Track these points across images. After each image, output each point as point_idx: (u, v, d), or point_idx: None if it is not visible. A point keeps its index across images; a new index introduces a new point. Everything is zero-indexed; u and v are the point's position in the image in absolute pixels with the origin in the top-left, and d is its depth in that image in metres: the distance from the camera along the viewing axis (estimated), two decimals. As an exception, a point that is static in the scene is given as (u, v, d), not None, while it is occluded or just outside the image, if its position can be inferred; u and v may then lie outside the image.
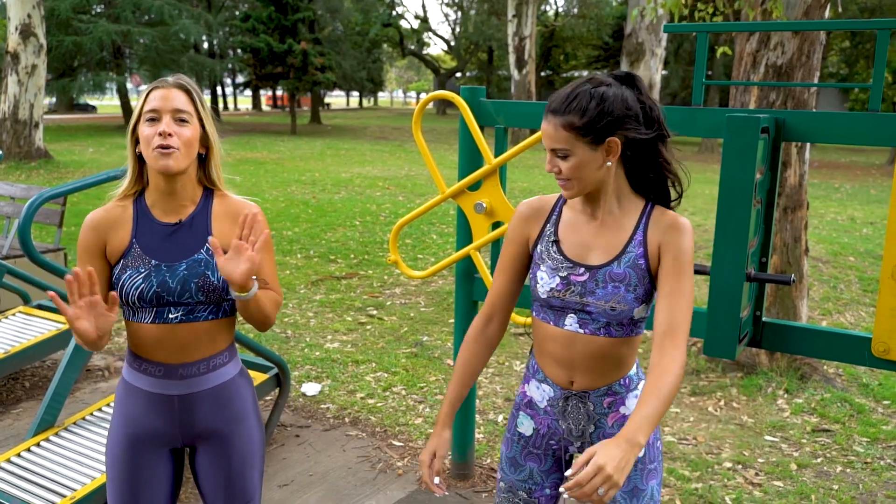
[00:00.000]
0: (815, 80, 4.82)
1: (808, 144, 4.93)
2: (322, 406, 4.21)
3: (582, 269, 1.71)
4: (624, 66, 11.06)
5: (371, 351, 5.11)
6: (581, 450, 1.84)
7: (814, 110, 2.82)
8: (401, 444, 3.77)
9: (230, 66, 35.88)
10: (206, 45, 35.34)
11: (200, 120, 1.85)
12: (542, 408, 1.85)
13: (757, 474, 3.54)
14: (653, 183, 1.72)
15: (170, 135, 1.76)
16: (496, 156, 2.92)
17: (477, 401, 4.21)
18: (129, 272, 1.82)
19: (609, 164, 1.65)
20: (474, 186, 3.00)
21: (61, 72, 27.11)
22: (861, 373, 4.82)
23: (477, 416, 3.97)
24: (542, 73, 41.54)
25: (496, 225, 2.98)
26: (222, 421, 1.94)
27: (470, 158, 3.07)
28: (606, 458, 1.38)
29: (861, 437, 3.96)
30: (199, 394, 1.90)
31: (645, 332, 4.03)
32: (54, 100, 38.25)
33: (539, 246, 1.79)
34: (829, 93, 33.75)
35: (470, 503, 3.23)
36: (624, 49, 11.11)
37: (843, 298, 6.36)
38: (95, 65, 27.59)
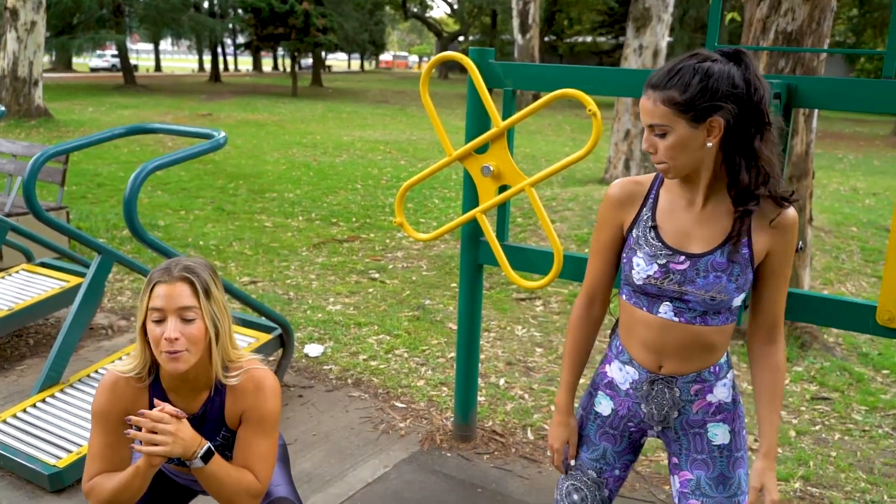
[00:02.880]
0: (825, 48, 4.77)
1: (816, 113, 4.89)
2: (325, 367, 4.23)
3: (682, 258, 1.64)
4: (630, 32, 10.92)
5: (373, 314, 5.13)
6: (661, 435, 1.81)
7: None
8: (403, 405, 3.80)
9: (231, 26, 35.48)
10: (206, 5, 34.89)
11: (207, 312, 1.80)
12: (623, 389, 1.80)
13: (756, 440, 3.57)
14: (739, 172, 1.58)
15: (176, 339, 1.73)
16: (504, 118, 2.90)
17: (479, 364, 4.23)
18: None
19: (709, 145, 1.55)
20: (481, 149, 2.98)
21: (60, 29, 26.81)
22: (861, 342, 4.84)
23: (479, 379, 4.00)
24: (546, 38, 41.07)
25: (503, 188, 2.96)
26: None
27: (477, 121, 3.04)
28: (774, 488, 1.67)
29: (860, 405, 3.99)
30: None
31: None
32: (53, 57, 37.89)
33: (635, 230, 1.71)
34: (835, 62, 33.45)
35: (472, 464, 3.27)
36: (630, 14, 10.96)
37: (845, 268, 6.37)
38: (95, 22, 27.25)
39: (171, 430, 1.67)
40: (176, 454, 1.68)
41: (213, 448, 1.76)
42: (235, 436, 1.88)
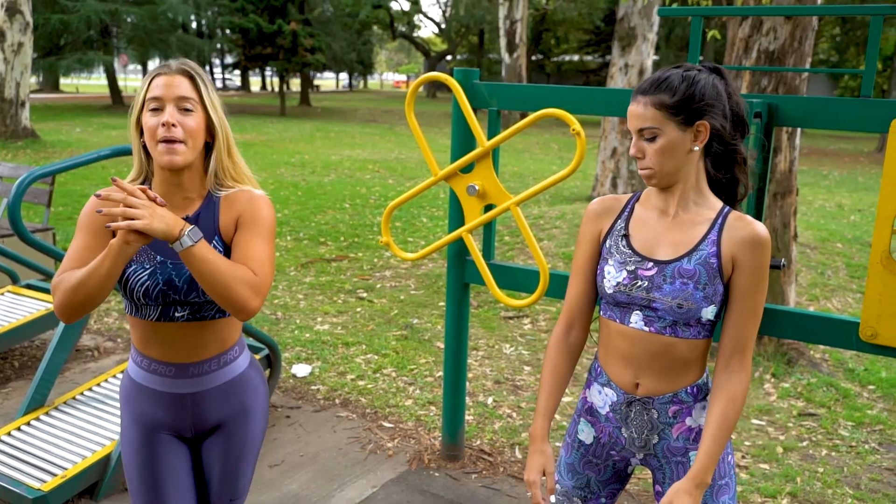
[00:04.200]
0: (807, 67, 4.83)
1: (799, 131, 4.95)
2: (312, 387, 4.21)
3: (650, 264, 1.66)
4: (615, 51, 11.02)
5: (361, 333, 5.12)
6: (644, 462, 1.80)
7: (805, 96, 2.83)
8: (391, 425, 3.79)
9: (219, 46, 35.58)
10: (194, 25, 34.99)
11: (205, 107, 1.77)
12: (603, 414, 1.78)
13: (743, 457, 3.58)
14: (725, 182, 1.70)
15: (174, 125, 1.68)
16: (489, 138, 2.92)
17: (467, 383, 4.23)
18: (133, 266, 1.75)
19: (696, 148, 1.61)
20: (467, 169, 3.00)
21: (48, 50, 26.81)
22: (847, 358, 4.87)
23: (467, 398, 3.99)
24: (533, 58, 41.39)
25: (488, 207, 2.98)
26: (231, 412, 1.91)
27: (463, 141, 3.06)
28: None
29: (846, 421, 4.01)
30: (212, 390, 1.88)
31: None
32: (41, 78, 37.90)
33: (608, 240, 1.74)
34: (819, 81, 33.83)
35: (460, 483, 3.25)
36: (616, 33, 11.06)
37: (830, 284, 6.41)
38: (83, 44, 27.27)
39: (147, 204, 1.55)
40: (157, 230, 1.53)
41: (199, 231, 1.61)
42: (229, 250, 1.78)
